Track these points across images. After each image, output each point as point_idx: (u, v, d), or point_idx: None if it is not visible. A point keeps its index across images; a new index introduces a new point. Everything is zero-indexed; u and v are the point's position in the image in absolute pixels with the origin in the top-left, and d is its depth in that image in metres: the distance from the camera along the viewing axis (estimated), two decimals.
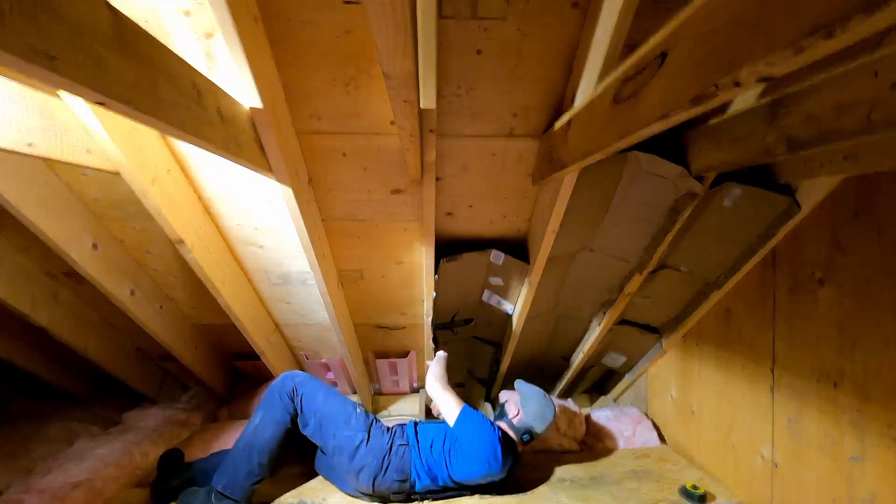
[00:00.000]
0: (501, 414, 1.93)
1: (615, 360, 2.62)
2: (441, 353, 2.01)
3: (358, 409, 1.87)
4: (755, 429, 1.78)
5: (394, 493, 1.78)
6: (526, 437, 1.84)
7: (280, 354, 2.34)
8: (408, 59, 0.75)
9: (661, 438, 2.43)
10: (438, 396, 1.86)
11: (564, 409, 2.45)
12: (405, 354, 2.54)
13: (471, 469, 1.72)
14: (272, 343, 2.24)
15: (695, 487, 1.84)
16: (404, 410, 2.80)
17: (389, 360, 2.54)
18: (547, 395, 1.94)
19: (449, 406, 1.82)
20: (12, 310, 1.81)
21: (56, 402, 2.62)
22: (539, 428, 1.84)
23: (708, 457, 2.08)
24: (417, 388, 2.86)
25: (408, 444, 1.82)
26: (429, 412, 2.78)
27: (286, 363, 2.43)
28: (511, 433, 1.85)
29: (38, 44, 0.53)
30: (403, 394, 2.85)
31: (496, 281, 2.01)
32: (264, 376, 2.72)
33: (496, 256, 1.86)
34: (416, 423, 1.94)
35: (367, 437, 1.78)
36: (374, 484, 1.73)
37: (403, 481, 1.75)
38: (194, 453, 2.12)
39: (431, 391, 1.89)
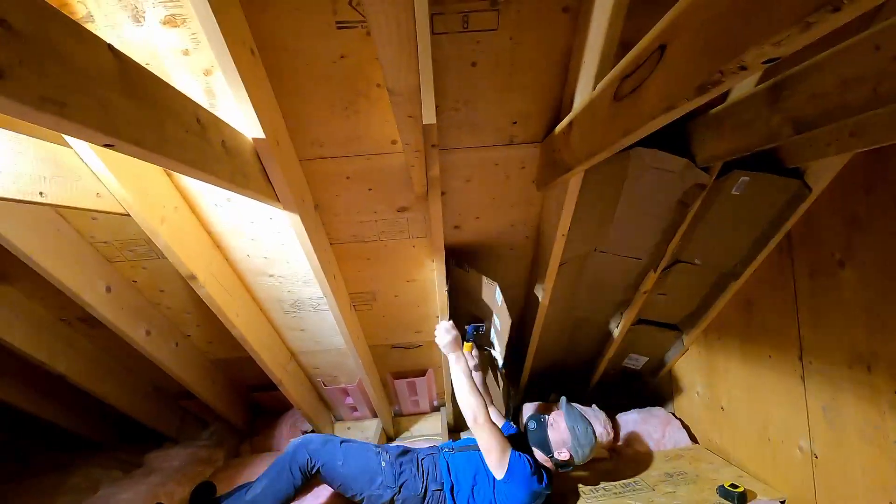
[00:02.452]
0: (546, 449, 1.75)
1: (636, 361, 2.58)
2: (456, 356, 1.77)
3: (384, 463, 1.77)
4: (790, 420, 1.73)
5: None
6: (563, 468, 1.76)
7: (298, 383, 2.32)
8: (412, 75, 0.76)
9: (692, 438, 2.37)
10: (483, 435, 1.65)
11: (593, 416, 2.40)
12: (423, 373, 2.52)
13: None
14: (289, 372, 2.22)
15: (733, 486, 1.78)
16: (426, 430, 2.76)
17: (408, 380, 2.52)
18: (589, 428, 1.77)
19: (491, 448, 1.64)
20: (30, 359, 1.82)
21: (76, 451, 2.61)
22: (580, 460, 1.73)
23: (743, 453, 2.02)
24: (438, 407, 2.82)
25: (442, 489, 1.75)
26: (451, 429, 2.74)
27: (304, 391, 2.41)
28: (549, 465, 1.76)
29: (47, 92, 0.54)
30: (424, 413, 2.82)
31: (498, 323, 1.92)
32: (283, 407, 2.70)
33: (499, 295, 1.76)
34: (447, 460, 1.83)
35: (398, 491, 1.71)
36: None
37: None
38: (220, 490, 2.09)
39: (473, 426, 1.65)
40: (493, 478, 1.67)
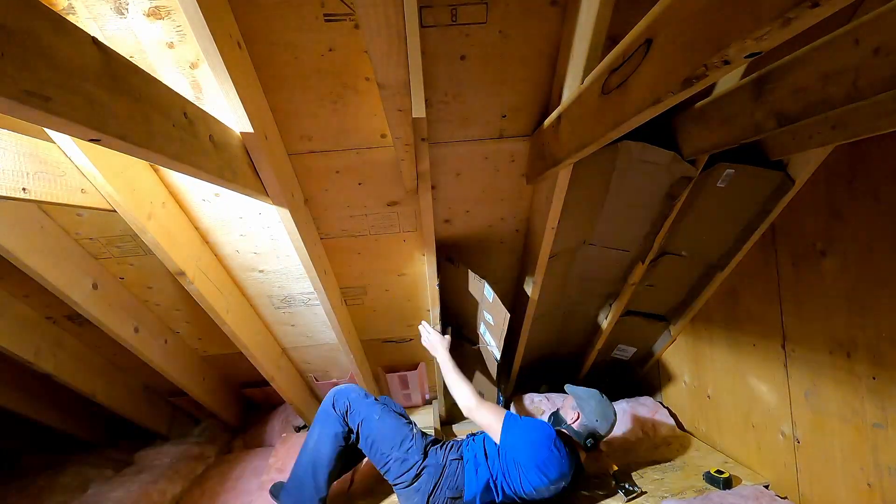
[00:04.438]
0: (557, 421, 1.78)
1: (625, 352, 2.62)
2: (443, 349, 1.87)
3: (414, 430, 1.80)
4: (773, 407, 1.77)
5: None
6: (589, 441, 1.69)
7: (289, 378, 2.32)
8: (401, 68, 0.76)
9: (680, 426, 2.42)
10: (478, 415, 1.71)
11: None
12: (415, 367, 2.53)
13: (537, 478, 1.59)
14: (281, 368, 2.22)
15: (719, 472, 1.83)
16: (419, 423, 2.77)
17: (399, 373, 2.53)
18: (603, 395, 1.78)
19: (489, 421, 1.69)
20: (16, 359, 1.79)
21: (67, 451, 2.58)
22: (603, 429, 1.70)
23: (729, 440, 2.07)
24: (430, 400, 2.84)
25: (461, 459, 1.73)
26: (444, 422, 2.76)
27: (296, 387, 2.41)
28: (573, 438, 1.72)
29: (31, 87, 0.54)
30: (417, 406, 2.83)
31: (488, 318, 1.92)
32: (274, 402, 2.69)
33: (489, 292, 1.77)
34: (472, 436, 1.85)
35: (422, 458, 1.71)
36: (428, 502, 1.66)
37: (457, 498, 1.67)
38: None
39: (469, 412, 1.72)
40: (505, 453, 1.66)
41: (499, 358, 1.96)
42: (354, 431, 1.75)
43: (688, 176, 1.53)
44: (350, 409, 1.75)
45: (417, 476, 1.67)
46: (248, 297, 1.92)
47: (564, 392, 1.91)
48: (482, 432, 1.81)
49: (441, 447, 1.79)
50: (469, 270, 1.82)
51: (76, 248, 1.60)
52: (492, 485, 1.67)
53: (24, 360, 1.81)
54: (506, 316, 1.71)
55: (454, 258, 1.87)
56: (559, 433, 1.70)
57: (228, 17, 1.06)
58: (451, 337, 1.97)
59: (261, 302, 1.95)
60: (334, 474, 1.74)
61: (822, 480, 1.58)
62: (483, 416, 1.71)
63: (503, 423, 1.67)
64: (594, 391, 1.79)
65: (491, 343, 1.99)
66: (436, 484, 1.67)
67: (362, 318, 2.13)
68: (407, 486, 1.68)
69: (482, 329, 2.04)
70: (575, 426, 1.73)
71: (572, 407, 1.78)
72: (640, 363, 2.67)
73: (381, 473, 1.76)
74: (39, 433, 2.51)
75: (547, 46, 1.23)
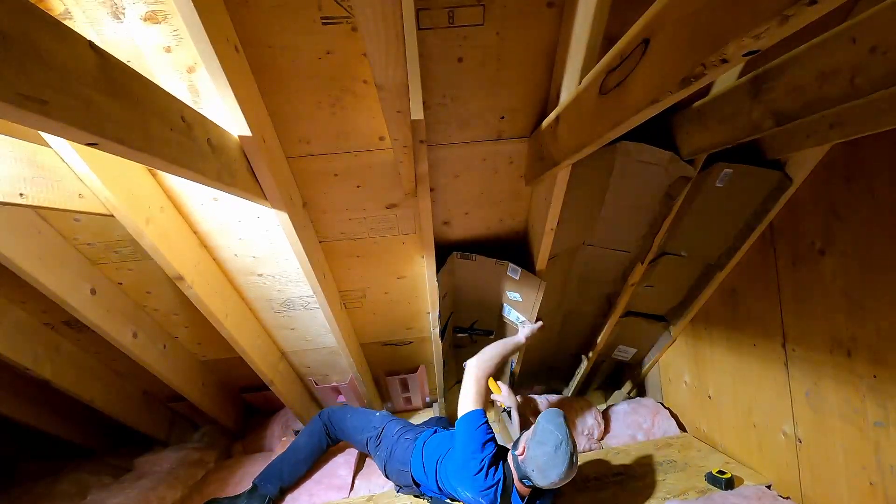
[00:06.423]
0: (515, 444, 1.63)
1: (625, 352, 2.61)
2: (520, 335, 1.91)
3: (378, 413, 2.07)
4: (774, 406, 1.77)
5: (405, 486, 1.89)
6: (527, 482, 1.53)
7: (289, 382, 2.31)
8: (400, 69, 0.76)
9: (681, 427, 2.41)
10: (466, 384, 1.68)
11: (582, 407, 2.43)
12: (415, 370, 2.52)
13: (457, 481, 1.59)
14: (280, 372, 2.21)
15: (721, 472, 1.83)
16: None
17: (399, 376, 2.52)
18: (567, 450, 1.46)
19: (465, 398, 1.65)
20: (14, 365, 1.78)
21: (65, 457, 2.56)
22: (538, 481, 1.49)
23: (730, 440, 2.07)
24: (430, 403, 2.83)
25: (413, 441, 1.87)
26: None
27: (295, 391, 2.40)
28: (513, 469, 1.59)
29: (28, 90, 0.53)
30: (417, 409, 2.83)
31: (514, 297, 1.93)
32: (274, 407, 2.68)
33: (513, 271, 1.78)
34: (435, 431, 1.92)
35: (381, 429, 1.96)
36: (385, 470, 1.92)
37: (405, 472, 1.83)
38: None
39: (469, 369, 1.70)
40: (451, 441, 1.71)
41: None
42: (338, 437, 2.08)
43: (686, 176, 1.53)
44: (329, 422, 2.07)
45: (378, 445, 1.93)
46: (246, 302, 1.91)
47: (560, 393, 1.93)
48: (444, 428, 1.97)
49: (404, 427, 1.97)
50: (487, 258, 1.83)
51: (74, 253, 1.59)
52: (424, 470, 1.77)
53: (22, 367, 1.80)
54: (540, 284, 1.78)
55: (468, 254, 1.85)
56: (498, 461, 1.59)
57: (225, 21, 1.06)
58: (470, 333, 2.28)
59: (260, 306, 1.95)
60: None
61: (824, 480, 1.58)
62: (468, 388, 1.67)
63: (466, 414, 1.61)
64: (558, 437, 1.48)
65: (520, 318, 2.04)
66: (391, 454, 1.88)
67: (362, 321, 2.13)
68: (374, 455, 1.97)
69: (506, 311, 2.09)
70: (519, 459, 1.55)
71: (526, 439, 1.57)
72: (641, 364, 2.66)
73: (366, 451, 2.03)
74: (37, 440, 2.49)
75: (544, 47, 1.24)
